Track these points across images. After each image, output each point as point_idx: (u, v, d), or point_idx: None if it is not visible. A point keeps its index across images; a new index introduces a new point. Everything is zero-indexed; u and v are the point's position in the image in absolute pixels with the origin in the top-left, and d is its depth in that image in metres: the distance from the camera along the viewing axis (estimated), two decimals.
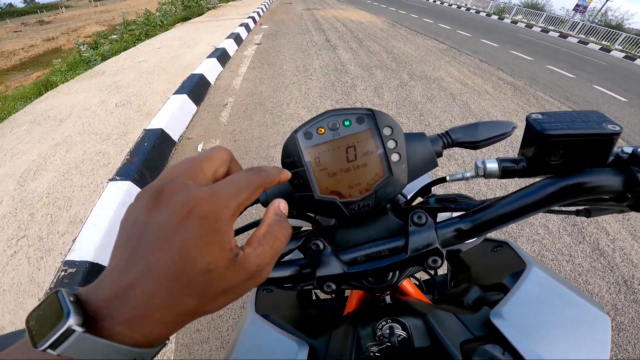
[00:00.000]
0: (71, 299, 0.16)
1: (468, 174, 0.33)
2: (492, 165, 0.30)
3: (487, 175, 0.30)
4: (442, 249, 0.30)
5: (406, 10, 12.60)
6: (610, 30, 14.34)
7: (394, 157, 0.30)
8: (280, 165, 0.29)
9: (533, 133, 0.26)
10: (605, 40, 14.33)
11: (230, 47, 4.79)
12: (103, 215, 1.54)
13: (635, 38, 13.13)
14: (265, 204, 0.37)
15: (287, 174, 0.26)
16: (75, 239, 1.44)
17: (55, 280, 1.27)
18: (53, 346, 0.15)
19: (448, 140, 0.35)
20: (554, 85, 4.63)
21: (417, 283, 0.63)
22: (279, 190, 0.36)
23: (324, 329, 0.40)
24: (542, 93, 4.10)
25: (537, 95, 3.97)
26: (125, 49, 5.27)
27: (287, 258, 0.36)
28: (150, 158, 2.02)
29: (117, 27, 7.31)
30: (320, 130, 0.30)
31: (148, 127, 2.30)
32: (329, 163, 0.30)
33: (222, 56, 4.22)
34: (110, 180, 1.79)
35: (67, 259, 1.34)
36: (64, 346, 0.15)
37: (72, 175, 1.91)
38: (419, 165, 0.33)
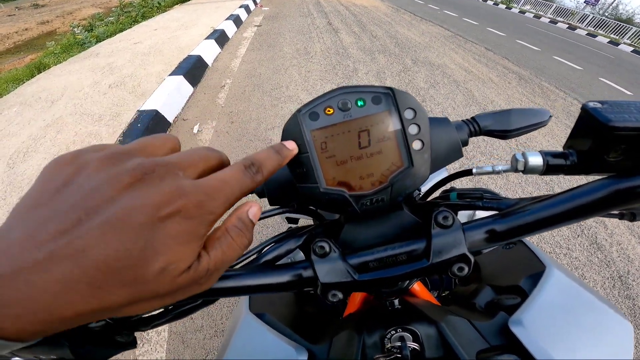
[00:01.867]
0: None
1: (500, 167, 0.28)
2: (536, 159, 0.25)
3: (528, 170, 0.26)
4: (470, 255, 0.25)
5: None
6: (619, 24, 14.17)
7: (416, 145, 0.26)
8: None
9: (592, 123, 0.22)
10: (614, 34, 14.13)
11: (230, 28, 4.65)
12: None
13: None
14: (261, 194, 0.32)
15: (288, 153, 0.23)
16: None
17: None
18: None
19: (475, 127, 0.30)
20: (560, 76, 4.54)
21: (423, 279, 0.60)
22: (277, 178, 0.31)
23: (323, 330, 0.37)
24: (548, 84, 4.01)
25: (542, 86, 3.89)
26: (120, 31, 5.15)
27: (285, 260, 0.31)
28: None
29: (114, 9, 7.13)
30: (329, 110, 0.25)
31: (142, 108, 2.24)
32: (337, 149, 0.25)
33: (220, 38, 4.09)
34: None
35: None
36: None
37: None
38: (442, 155, 0.29)
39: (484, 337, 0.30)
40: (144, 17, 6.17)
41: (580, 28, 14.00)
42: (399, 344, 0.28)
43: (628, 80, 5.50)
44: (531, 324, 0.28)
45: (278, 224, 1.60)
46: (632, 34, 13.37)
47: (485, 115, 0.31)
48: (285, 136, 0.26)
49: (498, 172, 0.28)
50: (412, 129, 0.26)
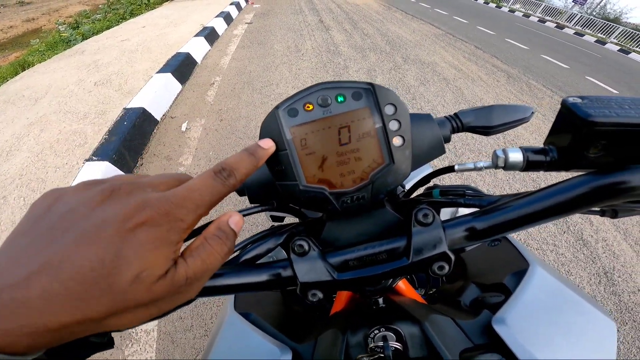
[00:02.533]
0: None
1: (481, 164, 0.28)
2: (516, 155, 0.25)
3: (509, 166, 0.25)
4: (450, 253, 0.25)
5: None
6: (607, 23, 14.43)
7: (397, 141, 0.25)
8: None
9: (571, 119, 0.22)
10: (601, 33, 14.41)
11: (220, 26, 4.60)
12: None
13: (631, 32, 13.23)
14: (241, 193, 0.31)
15: (263, 152, 0.23)
16: None
17: None
18: None
19: (457, 123, 0.30)
20: (548, 74, 4.62)
21: (409, 277, 0.59)
22: (257, 176, 0.31)
23: (309, 330, 0.36)
24: (535, 82, 4.08)
25: (530, 84, 3.95)
26: (108, 28, 5.04)
27: (267, 258, 0.30)
28: (130, 137, 1.93)
29: (101, 6, 6.99)
30: (308, 107, 0.25)
31: (128, 106, 2.20)
32: (317, 146, 0.25)
33: (210, 35, 4.05)
34: (87, 160, 1.71)
35: None
36: None
37: (47, 155, 1.82)
38: (424, 151, 0.29)
39: (467, 336, 0.29)
40: (132, 15, 6.06)
41: (568, 27, 14.24)
42: (382, 343, 0.28)
43: (614, 79, 5.63)
44: (514, 322, 0.28)
45: (266, 223, 1.60)
46: (619, 33, 13.64)
47: (467, 111, 0.31)
48: (263, 133, 0.25)
49: (480, 169, 0.28)
50: (393, 125, 0.25)
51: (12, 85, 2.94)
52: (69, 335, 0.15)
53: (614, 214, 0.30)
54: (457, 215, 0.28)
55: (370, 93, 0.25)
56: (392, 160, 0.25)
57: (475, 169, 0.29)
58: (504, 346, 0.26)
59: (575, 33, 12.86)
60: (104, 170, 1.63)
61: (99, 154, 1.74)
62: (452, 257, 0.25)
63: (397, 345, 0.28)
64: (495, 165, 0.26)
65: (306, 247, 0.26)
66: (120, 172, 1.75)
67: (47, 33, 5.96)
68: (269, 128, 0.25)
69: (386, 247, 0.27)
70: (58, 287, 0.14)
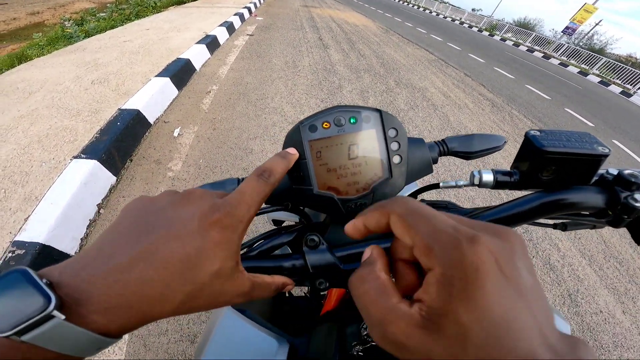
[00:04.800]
0: (44, 280, 0.14)
1: (462, 182, 0.34)
2: (488, 176, 0.31)
3: (482, 185, 0.31)
4: None
5: (402, 18, 12.82)
6: (591, 54, 14.94)
7: (395, 159, 0.30)
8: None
9: (530, 148, 0.27)
10: (585, 64, 15.00)
11: (222, 35, 4.70)
12: (62, 194, 1.46)
13: (613, 63, 13.72)
14: None
15: (292, 157, 0.27)
16: (27, 218, 1.36)
17: (0, 261, 1.18)
18: (21, 332, 0.13)
19: (444, 148, 0.36)
20: (529, 105, 4.84)
21: None
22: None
23: (301, 327, 0.39)
24: (517, 112, 4.29)
25: (512, 114, 4.15)
26: (112, 27, 5.05)
27: (275, 253, 0.35)
28: (121, 138, 1.96)
29: (108, 5, 7.02)
30: (325, 125, 0.29)
31: (123, 107, 2.23)
32: (330, 158, 0.30)
33: (211, 43, 4.13)
34: (75, 157, 1.71)
35: (16, 239, 1.26)
36: (34, 333, 0.13)
37: (34, 149, 1.81)
38: (416, 169, 0.34)
39: None
40: (138, 16, 6.09)
41: (554, 57, 14.81)
42: None
43: (591, 112, 5.89)
44: None
45: (263, 226, 1.63)
46: (602, 64, 14.08)
47: (453, 138, 0.37)
48: (287, 143, 0.30)
49: (460, 186, 0.34)
50: (394, 146, 0.30)
51: (7, 77, 2.92)
52: (150, 319, 0.17)
53: (564, 227, 0.37)
54: None
55: (378, 117, 0.30)
56: (390, 174, 0.30)
57: (457, 186, 0.35)
58: None
59: (560, 63, 13.44)
60: (91, 169, 1.64)
61: (88, 152, 1.75)
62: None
63: None
64: (472, 183, 0.32)
65: (317, 241, 0.30)
66: (108, 172, 1.77)
67: (50, 28, 5.93)
68: (293, 139, 0.30)
69: (384, 245, 0.32)
70: (152, 273, 0.16)
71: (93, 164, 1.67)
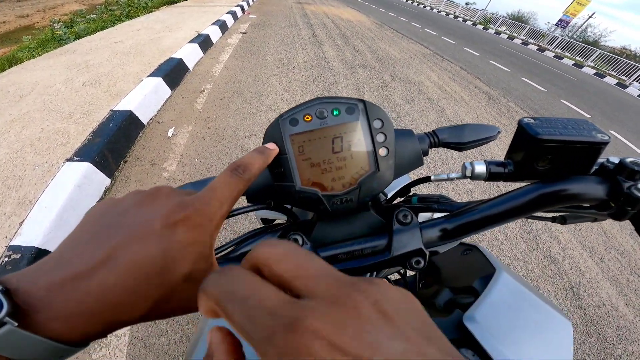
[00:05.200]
0: None
1: (453, 175, 0.33)
2: (480, 167, 0.30)
3: (475, 177, 0.30)
4: (425, 250, 0.29)
5: (396, 13, 12.77)
6: (585, 47, 15.03)
7: (382, 152, 0.29)
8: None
9: (524, 137, 0.26)
10: (579, 56, 15.08)
11: (215, 33, 4.66)
12: (55, 197, 1.45)
13: (608, 55, 13.78)
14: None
15: (270, 152, 0.26)
16: (22, 222, 1.35)
17: None
18: None
19: (435, 139, 0.35)
20: (526, 97, 4.85)
21: (390, 281, 0.64)
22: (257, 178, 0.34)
23: None
24: (514, 104, 4.29)
25: (509, 106, 4.15)
26: (102, 28, 5.00)
27: None
28: (114, 140, 1.94)
29: (98, 6, 6.94)
30: (307, 118, 0.28)
31: (115, 108, 2.20)
32: (313, 153, 0.28)
33: (204, 42, 4.10)
34: (68, 160, 1.70)
35: (11, 243, 1.25)
36: None
37: (26, 153, 1.79)
38: (405, 162, 0.32)
39: (441, 331, 0.33)
40: (129, 17, 6.03)
41: (549, 50, 14.86)
42: None
43: (588, 103, 5.92)
44: (482, 319, 0.30)
45: (254, 225, 1.63)
46: (596, 56, 14.19)
47: (444, 129, 0.35)
48: (267, 138, 0.28)
49: (452, 179, 0.32)
50: (380, 137, 0.29)
51: None
52: (118, 325, 0.16)
53: (563, 220, 0.35)
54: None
55: (362, 108, 0.29)
56: (377, 168, 0.29)
57: (449, 179, 0.33)
58: (473, 340, 0.29)
59: (554, 56, 13.46)
60: (84, 171, 1.62)
61: (81, 154, 1.73)
62: (427, 252, 0.29)
63: None
64: (464, 176, 0.31)
65: (300, 242, 0.29)
66: (102, 174, 1.75)
67: (39, 30, 5.88)
68: (272, 134, 0.28)
69: (370, 244, 0.30)
70: (114, 279, 0.15)
71: (86, 166, 1.65)
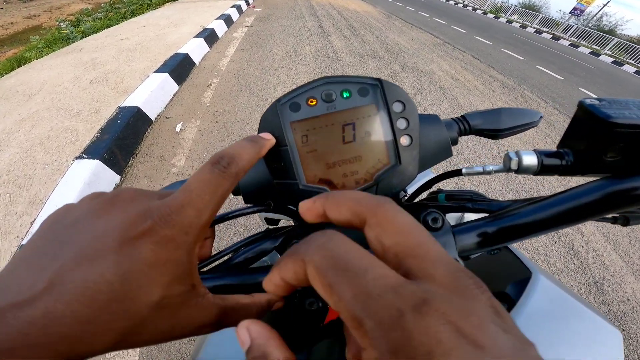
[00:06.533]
0: None
1: (491, 167, 0.27)
2: (530, 158, 0.24)
3: (522, 170, 0.24)
4: (460, 261, 0.23)
5: (404, 3, 12.47)
6: (602, 35, 14.69)
7: (404, 141, 0.24)
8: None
9: (590, 121, 0.21)
10: (596, 45, 14.68)
11: (220, 28, 4.62)
12: (65, 195, 1.45)
13: (626, 44, 13.48)
14: (236, 192, 0.29)
15: (265, 142, 0.21)
16: (33, 221, 1.35)
17: None
18: None
19: (465, 126, 0.29)
20: (542, 85, 4.69)
21: None
22: (253, 173, 0.28)
23: (302, 339, 0.35)
24: (530, 92, 4.14)
25: (525, 95, 4.01)
26: (108, 26, 5.04)
27: (260, 262, 0.29)
28: (123, 136, 1.91)
29: (103, 5, 7.00)
30: (311, 101, 0.24)
31: (123, 105, 2.18)
32: (319, 143, 0.24)
33: (210, 37, 4.05)
34: (77, 158, 1.68)
35: (23, 243, 1.26)
36: None
37: (36, 152, 1.79)
38: (430, 153, 0.27)
39: None
40: (134, 14, 6.08)
41: (563, 38, 14.55)
42: None
43: (607, 91, 5.73)
44: (521, 329, 0.27)
45: (260, 226, 1.58)
46: (613, 45, 13.93)
47: (475, 113, 0.30)
48: (262, 128, 0.24)
49: (489, 173, 0.27)
50: (401, 123, 0.24)
51: (7, 81, 2.91)
52: (78, 357, 0.13)
53: (626, 222, 0.29)
54: (463, 221, 0.26)
55: (378, 89, 0.24)
56: (398, 160, 0.24)
57: (484, 172, 0.27)
58: None
59: (570, 44, 13.15)
60: (94, 168, 1.61)
61: (90, 152, 1.72)
62: (462, 265, 0.24)
63: None
64: (507, 169, 0.25)
65: None
66: (111, 171, 1.73)
67: (47, 30, 5.97)
68: (269, 122, 0.24)
69: None
70: (63, 308, 0.12)
71: (95, 163, 1.63)
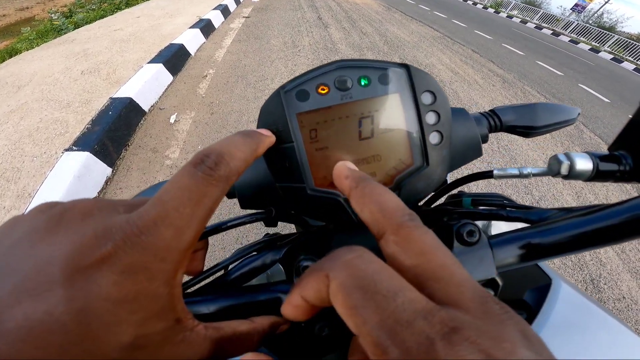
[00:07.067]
0: None
1: (529, 170, 0.23)
2: (585, 163, 0.21)
3: (574, 175, 0.21)
4: (499, 279, 0.20)
5: None
6: (602, 32, 14.68)
7: (433, 138, 0.21)
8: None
9: None
10: (596, 42, 14.68)
11: (216, 18, 4.52)
12: (54, 188, 1.41)
13: (625, 41, 13.50)
14: (231, 195, 0.25)
15: (263, 138, 0.17)
16: None
17: None
18: None
19: (496, 121, 0.26)
20: (542, 81, 4.67)
21: None
22: (251, 175, 0.24)
23: (304, 353, 0.31)
24: (530, 88, 4.11)
25: (525, 90, 3.98)
26: (101, 17, 4.93)
27: (258, 279, 0.25)
28: (114, 128, 1.86)
29: None
30: (322, 89, 0.20)
31: (115, 96, 2.12)
32: (331, 139, 0.20)
33: (206, 27, 3.97)
34: (66, 150, 1.63)
35: None
36: None
37: (25, 144, 1.73)
38: (459, 152, 0.24)
39: None
40: (128, 5, 5.95)
41: (563, 34, 14.52)
42: None
43: (606, 88, 5.70)
44: (545, 341, 0.25)
45: (259, 226, 1.54)
46: (613, 42, 13.95)
47: (506, 108, 0.27)
48: (263, 121, 0.20)
49: (526, 176, 0.23)
50: (430, 118, 0.20)
51: None
52: None
53: None
54: (489, 229, 0.24)
55: (404, 77, 0.20)
56: (426, 161, 0.20)
57: (521, 175, 0.23)
58: None
59: (570, 40, 13.14)
60: (84, 161, 1.56)
61: (80, 143, 1.66)
62: (501, 283, 0.20)
63: None
64: (555, 172, 0.22)
65: None
66: (102, 164, 1.67)
67: (39, 22, 5.84)
68: (271, 114, 0.20)
69: None
70: (7, 349, 0.09)
71: (86, 155, 1.58)
